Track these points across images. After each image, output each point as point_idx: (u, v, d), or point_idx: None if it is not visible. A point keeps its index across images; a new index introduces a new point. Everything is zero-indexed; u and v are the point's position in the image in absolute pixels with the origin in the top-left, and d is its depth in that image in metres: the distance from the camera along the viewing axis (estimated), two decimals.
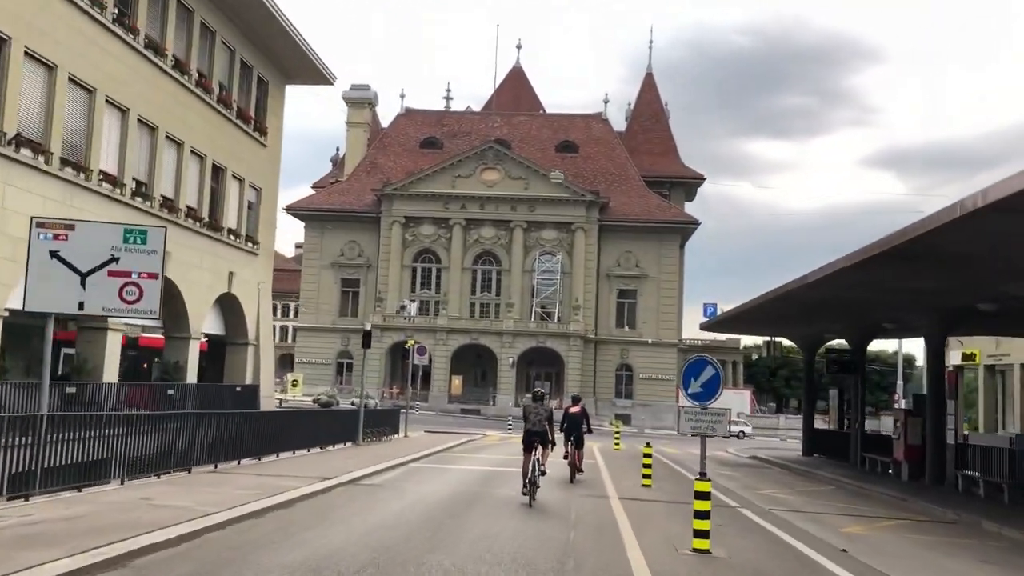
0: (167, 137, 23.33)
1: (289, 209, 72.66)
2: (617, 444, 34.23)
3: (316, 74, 31.54)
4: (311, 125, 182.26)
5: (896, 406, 54.79)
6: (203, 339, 26.82)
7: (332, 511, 12.57)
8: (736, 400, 73.66)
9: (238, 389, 27.75)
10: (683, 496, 17.93)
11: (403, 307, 68.01)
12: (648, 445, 20.49)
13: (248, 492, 13.02)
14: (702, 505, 10.74)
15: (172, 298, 23.54)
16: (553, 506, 14.79)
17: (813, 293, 21.04)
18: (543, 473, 15.30)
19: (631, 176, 74.65)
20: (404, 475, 19.06)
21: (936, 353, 22.67)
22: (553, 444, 16.26)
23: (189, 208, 24.91)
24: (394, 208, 70.91)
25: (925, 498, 18.72)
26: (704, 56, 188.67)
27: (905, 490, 20.61)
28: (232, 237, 27.62)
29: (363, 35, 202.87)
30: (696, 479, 11.06)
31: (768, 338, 33.55)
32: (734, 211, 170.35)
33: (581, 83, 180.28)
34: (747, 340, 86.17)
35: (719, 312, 33.97)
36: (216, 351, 29.22)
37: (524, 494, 14.74)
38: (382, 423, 31.06)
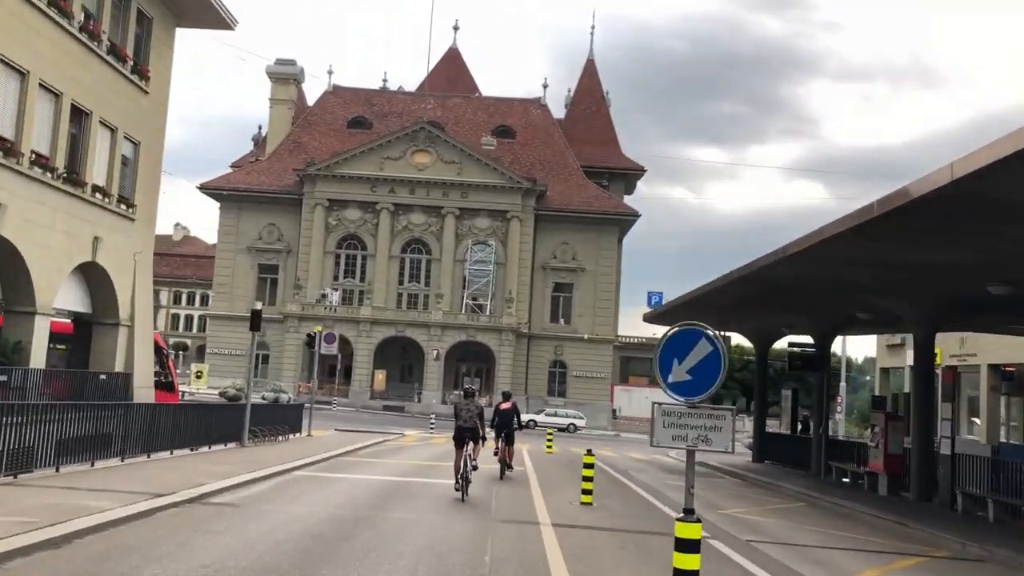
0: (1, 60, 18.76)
1: (203, 188, 67.42)
2: (550, 447, 30.57)
3: (213, 16, 26.99)
4: (238, 111, 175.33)
5: (838, 410, 52.35)
6: (57, 316, 22.21)
7: (123, 554, 8.47)
8: None
9: (103, 377, 23.23)
10: (636, 520, 14.24)
11: (324, 295, 63.41)
12: (590, 453, 16.77)
13: (19, 522, 8.87)
14: (687, 562, 6.87)
15: (9, 262, 19.05)
16: (471, 526, 10.98)
17: (787, 271, 17.65)
18: (474, 468, 15.60)
19: (570, 165, 71.25)
20: (276, 488, 15.00)
21: (924, 348, 19.46)
22: (484, 440, 16.39)
23: (37, 155, 20.32)
24: (317, 190, 66.21)
25: (925, 521, 15.39)
26: (640, 61, 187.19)
27: (894, 510, 17.30)
28: (99, 196, 23.06)
29: (290, 13, 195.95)
30: (678, 518, 7.23)
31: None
32: (667, 214, 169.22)
33: (519, 72, 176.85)
34: None
35: (664, 301, 30.52)
36: (86, 333, 24.67)
37: (456, 489, 15.05)
38: (281, 420, 26.87)
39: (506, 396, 21.42)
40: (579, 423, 56.78)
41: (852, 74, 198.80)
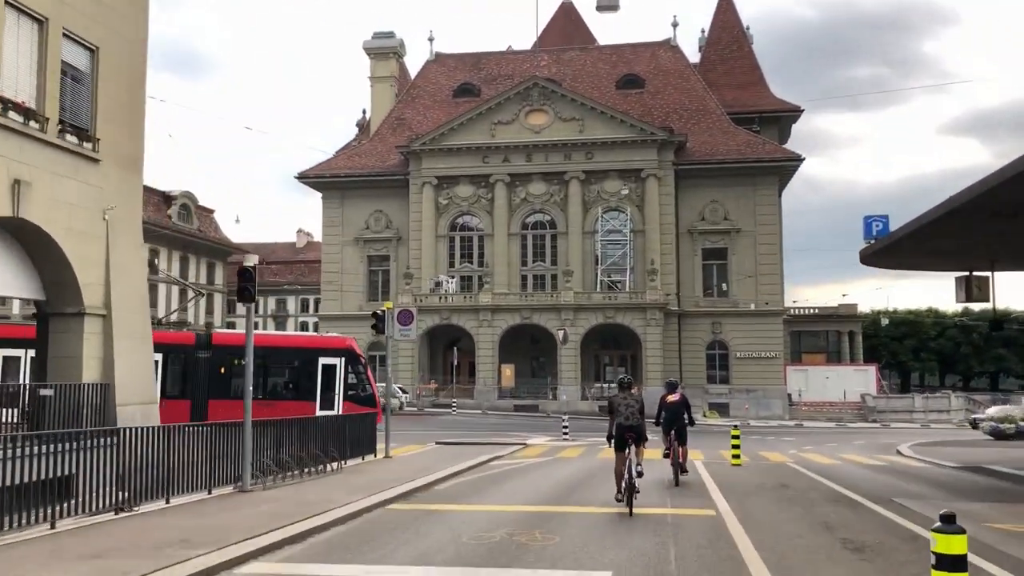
0: None
1: (302, 177, 60.92)
2: (737, 457, 20.77)
3: None
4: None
5: None
6: None
7: None
8: (859, 378, 59.44)
9: (44, 392, 15.47)
10: None
11: (438, 283, 55.48)
12: None
13: None
14: None
15: None
16: None
17: None
18: (639, 475, 12.78)
19: (711, 110, 60.74)
20: None
21: None
22: (646, 440, 13.30)
23: None
24: (423, 167, 58.43)
25: None
26: (766, 33, 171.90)
27: None
28: (17, 117, 15.25)
29: None
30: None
31: (968, 273, 20.49)
32: (808, 189, 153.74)
33: (642, 21, 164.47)
34: (866, 306, 71.52)
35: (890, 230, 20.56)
36: (42, 329, 17.05)
37: (619, 500, 12.67)
38: (340, 439, 18.53)
39: (672, 386, 17.99)
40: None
41: (997, 21, 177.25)
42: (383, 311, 20.57)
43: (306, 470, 15.92)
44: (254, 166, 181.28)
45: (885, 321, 65.84)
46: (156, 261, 53.07)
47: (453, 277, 57.42)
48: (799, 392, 56.42)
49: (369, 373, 32.10)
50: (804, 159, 56.90)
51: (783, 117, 65.70)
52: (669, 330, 54.62)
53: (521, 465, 19.93)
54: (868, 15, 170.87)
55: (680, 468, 16.64)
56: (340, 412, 30.47)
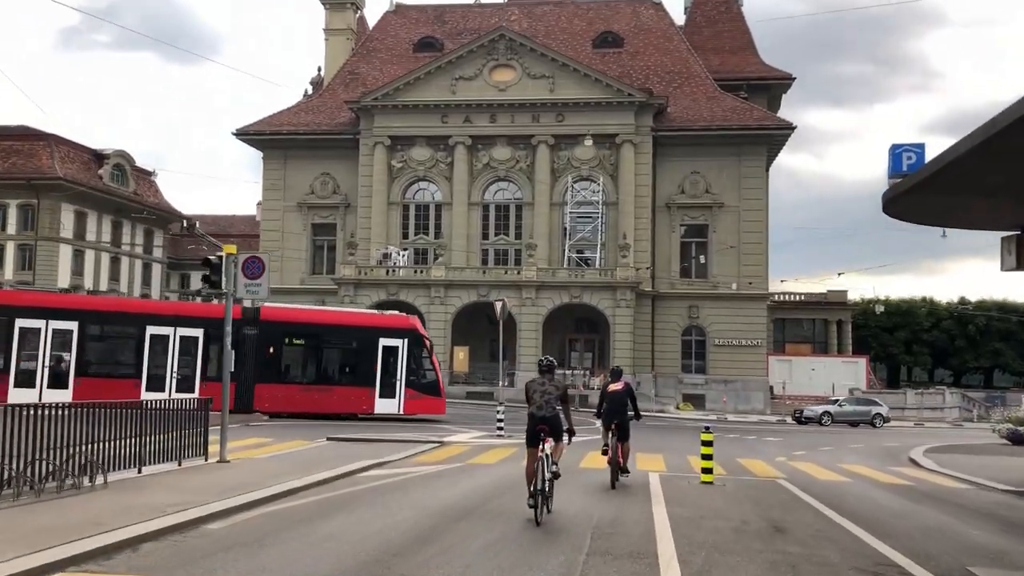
0: None
1: (241, 134, 54.91)
2: (708, 472, 14.93)
3: None
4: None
5: None
6: None
7: None
8: (847, 371, 54.29)
9: None
10: None
11: (386, 255, 49.75)
12: None
13: None
14: None
15: None
16: None
17: None
18: (554, 475, 10.51)
19: (696, 74, 55.22)
20: None
21: None
22: (571, 434, 11.00)
23: None
24: (376, 126, 52.59)
25: None
26: (751, 26, 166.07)
27: None
28: None
29: None
30: None
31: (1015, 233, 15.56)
32: (792, 183, 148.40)
33: None
34: (856, 293, 66.31)
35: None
36: None
37: (530, 506, 10.10)
38: (142, 433, 12.90)
39: (616, 374, 15.38)
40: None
41: (980, 20, 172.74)
42: (220, 256, 14.87)
43: (51, 483, 10.27)
44: (216, 132, 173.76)
45: (880, 308, 60.65)
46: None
47: (406, 250, 51.71)
48: (783, 385, 51.22)
49: (434, 358, 29.25)
50: (795, 127, 51.53)
51: (773, 85, 60.25)
52: (642, 313, 49.19)
53: (407, 477, 14.34)
54: (855, 12, 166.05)
55: (619, 468, 14.23)
56: (402, 400, 28.35)
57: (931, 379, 74.39)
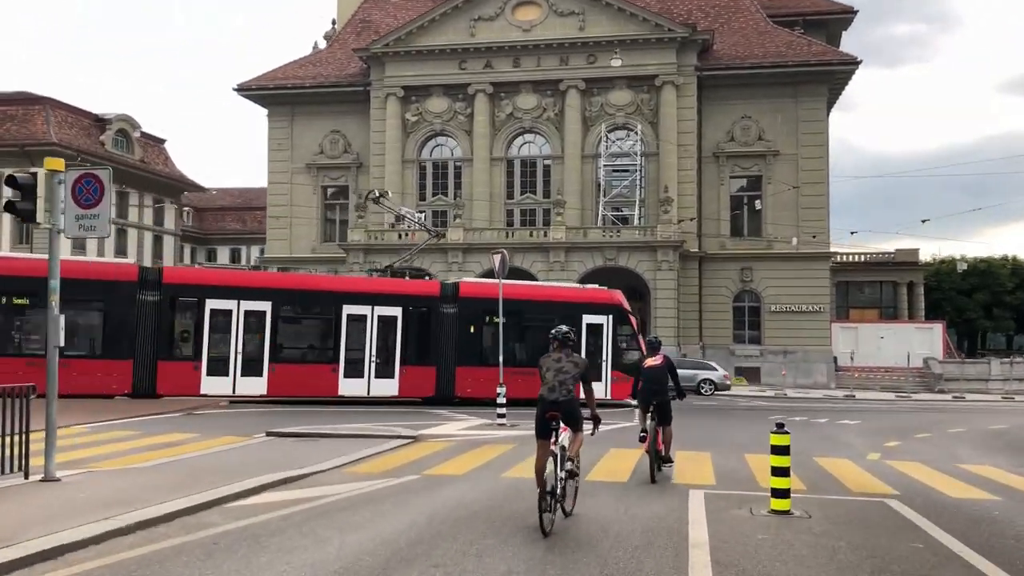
0: None
1: (242, 89, 50.19)
2: (782, 494, 9.46)
3: None
4: None
5: None
6: None
7: None
8: (921, 338, 48.26)
9: None
10: None
11: (399, 217, 44.74)
12: None
13: None
14: None
15: None
16: None
17: None
18: (570, 473, 8.39)
19: (744, 6, 49.14)
20: None
21: None
22: (596, 422, 9.02)
23: None
24: (387, 75, 47.48)
25: None
26: None
27: None
28: None
29: None
30: None
31: None
32: (843, 149, 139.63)
33: None
34: (927, 253, 59.74)
35: None
36: None
37: (542, 514, 7.90)
38: None
39: (654, 346, 12.87)
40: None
41: None
42: (33, 174, 10.02)
43: None
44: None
45: (963, 266, 54.04)
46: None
47: (423, 212, 46.64)
48: (851, 355, 45.25)
49: (640, 336, 26.07)
50: (860, 61, 45.20)
51: (831, 21, 53.82)
52: (687, 276, 43.67)
53: (310, 506, 9.24)
54: None
55: (660, 458, 11.97)
56: (608, 383, 26.04)
57: (1009, 346, 67.59)
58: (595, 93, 46.07)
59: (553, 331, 8.91)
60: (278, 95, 49.77)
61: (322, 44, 58.82)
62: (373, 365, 24.92)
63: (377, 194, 34.78)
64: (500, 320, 21.55)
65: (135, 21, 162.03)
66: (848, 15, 53.62)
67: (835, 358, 46.10)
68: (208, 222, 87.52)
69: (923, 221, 37.42)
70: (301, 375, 24.25)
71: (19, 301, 22.99)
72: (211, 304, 23.94)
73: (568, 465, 8.33)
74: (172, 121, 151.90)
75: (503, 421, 18.20)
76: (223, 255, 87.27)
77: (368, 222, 44.90)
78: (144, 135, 63.17)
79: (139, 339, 23.32)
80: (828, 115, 47.56)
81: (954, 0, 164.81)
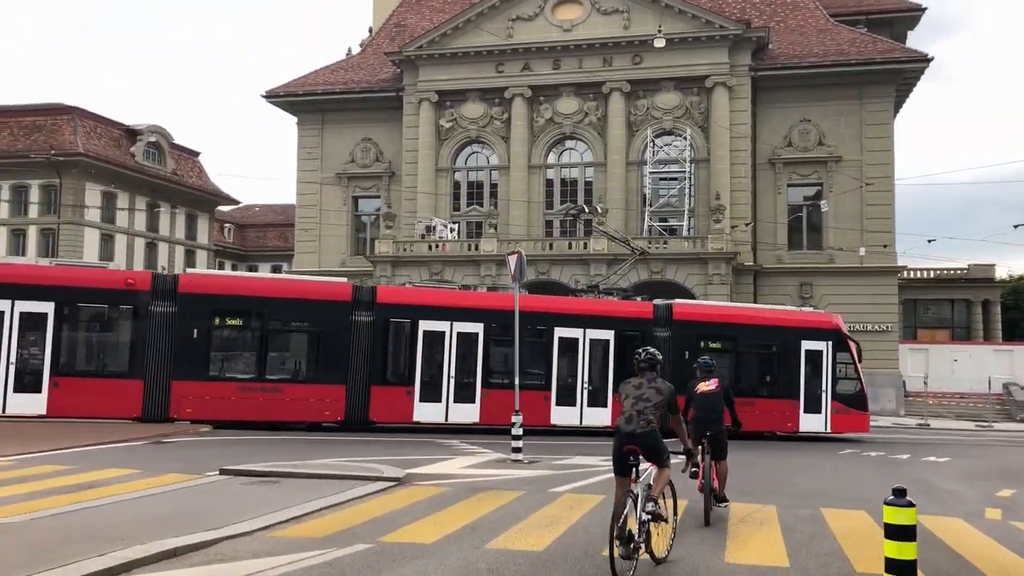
0: None
1: (271, 96, 48.10)
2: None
3: None
4: None
5: None
6: None
7: None
8: (999, 361, 44.04)
9: None
10: None
11: (430, 228, 42.02)
12: None
13: None
14: None
15: None
16: None
17: None
18: (653, 516, 7.54)
19: (802, 3, 45.70)
20: None
21: None
22: (690, 456, 8.96)
23: None
24: (420, 80, 44.98)
25: None
26: None
27: None
28: None
29: None
30: None
31: None
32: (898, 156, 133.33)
33: None
34: (1003, 270, 55.22)
35: None
36: None
37: (614, 563, 7.03)
38: None
39: (706, 369, 11.31)
40: None
41: None
42: None
43: None
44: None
45: None
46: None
47: (456, 223, 43.89)
48: (924, 379, 41.14)
49: (859, 363, 25.24)
50: (931, 59, 41.43)
51: (896, 20, 50.09)
52: (741, 292, 40.14)
53: None
54: None
55: (715, 495, 10.37)
56: (828, 416, 24.70)
57: None
58: (641, 96, 42.97)
59: (638, 351, 8.18)
60: (308, 102, 47.55)
61: (355, 51, 56.75)
62: (585, 392, 23.66)
63: (586, 209, 33.12)
64: (715, 345, 21.17)
65: (150, 21, 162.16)
66: (915, 13, 49.87)
67: (904, 382, 42.10)
68: (250, 239, 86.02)
69: (1015, 227, 33.03)
70: (512, 403, 21.95)
71: (232, 322, 22.41)
72: (424, 326, 22.80)
73: (650, 506, 7.46)
74: (203, 133, 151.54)
75: (519, 457, 15.11)
76: (264, 272, 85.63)
77: (397, 233, 42.26)
78: (177, 147, 61.70)
79: (352, 363, 22.20)
80: (895, 118, 43.82)
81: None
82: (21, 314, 20.65)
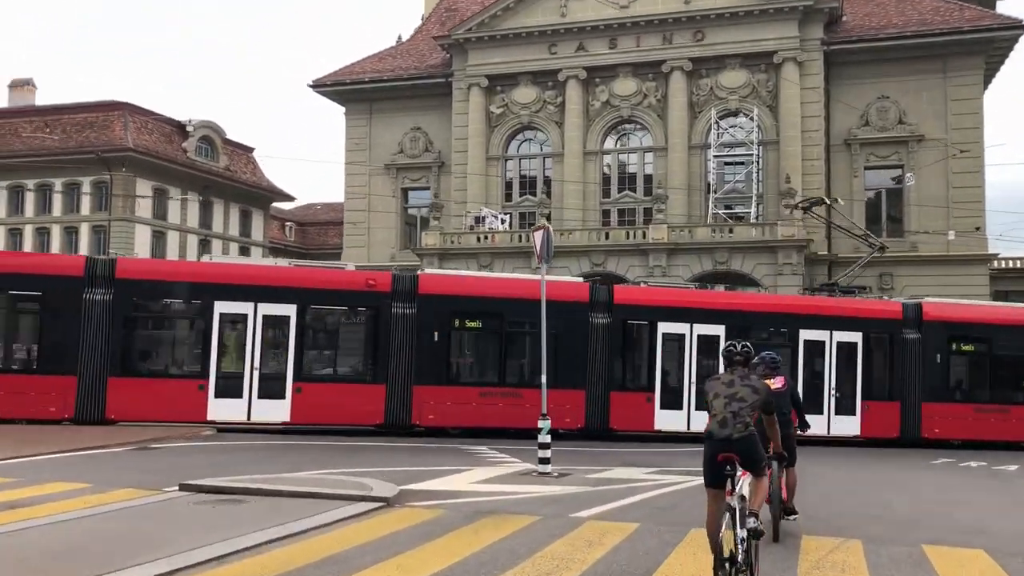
0: None
1: (317, 85, 46.61)
2: None
3: None
4: None
5: None
6: None
7: None
8: None
9: None
10: None
11: (479, 219, 39.91)
12: None
13: None
14: None
15: None
16: None
17: None
18: (753, 533, 6.66)
19: None
20: None
21: None
22: (782, 461, 8.91)
23: None
24: (470, 64, 42.93)
25: None
26: None
27: None
28: None
29: None
30: None
31: None
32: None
33: None
34: None
35: None
36: None
37: None
38: None
39: (771, 365, 9.79)
40: None
41: None
42: None
43: None
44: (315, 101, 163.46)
45: None
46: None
47: (508, 214, 41.70)
48: None
49: None
50: None
51: None
52: (813, 283, 37.07)
53: None
54: None
55: (783, 508, 9.09)
56: None
57: None
58: (704, 75, 40.17)
59: (728, 346, 7.39)
60: (355, 91, 45.90)
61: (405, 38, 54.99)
62: (833, 400, 22.00)
63: (827, 201, 31.21)
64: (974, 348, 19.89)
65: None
66: None
67: None
68: (310, 236, 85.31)
69: None
70: None
71: (471, 324, 21.31)
72: (664, 328, 21.46)
73: (751, 522, 6.69)
74: (256, 127, 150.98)
75: (546, 469, 12.81)
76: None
77: (444, 225, 40.30)
78: (229, 142, 60.85)
79: (591, 367, 20.94)
80: (984, 92, 40.14)
81: None
82: (264, 317, 19.40)
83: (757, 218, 38.19)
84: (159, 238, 54.12)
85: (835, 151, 39.30)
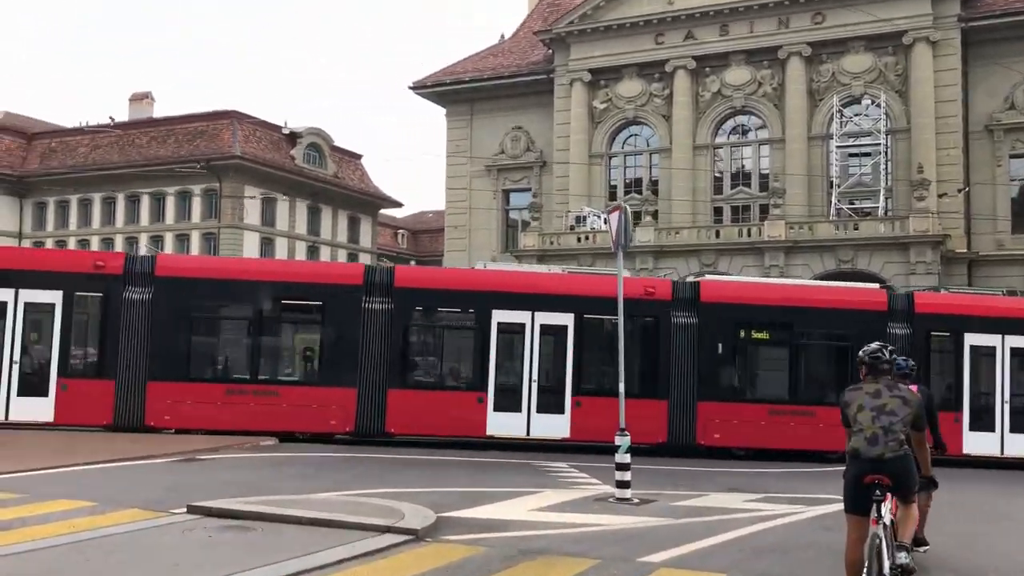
0: None
1: (418, 87, 45.77)
2: None
3: None
4: None
5: None
6: None
7: None
8: None
9: None
10: None
11: (581, 218, 38.01)
12: None
13: None
14: None
15: None
16: None
17: None
18: (903, 571, 6.10)
19: None
20: None
21: None
22: (932, 485, 7.68)
23: None
24: (572, 58, 41.14)
25: None
26: None
27: None
28: None
29: None
30: None
31: None
32: None
33: None
34: None
35: None
36: None
37: None
38: None
39: (903, 373, 8.27)
40: None
41: None
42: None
43: None
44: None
45: None
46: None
47: (610, 214, 39.55)
48: None
49: None
50: None
51: None
52: (952, 285, 33.49)
53: None
54: None
55: (917, 537, 7.74)
56: None
57: None
58: (824, 60, 37.12)
59: (867, 349, 6.52)
60: (455, 91, 44.83)
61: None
62: (1005, 409, 19.59)
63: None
64: None
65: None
66: None
67: None
68: (423, 244, 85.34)
69: None
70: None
71: (758, 335, 19.74)
72: (971, 340, 19.18)
73: (901, 557, 5.99)
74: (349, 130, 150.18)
75: (625, 494, 10.82)
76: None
77: (545, 226, 38.61)
78: (337, 149, 60.96)
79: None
80: None
81: None
82: (542, 326, 18.47)
83: (886, 213, 34.86)
84: (267, 244, 54.47)
85: (974, 139, 35.55)
